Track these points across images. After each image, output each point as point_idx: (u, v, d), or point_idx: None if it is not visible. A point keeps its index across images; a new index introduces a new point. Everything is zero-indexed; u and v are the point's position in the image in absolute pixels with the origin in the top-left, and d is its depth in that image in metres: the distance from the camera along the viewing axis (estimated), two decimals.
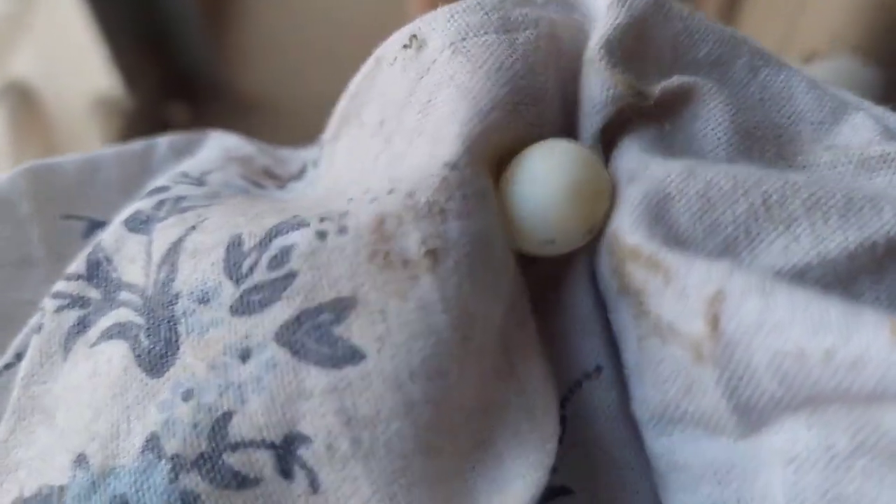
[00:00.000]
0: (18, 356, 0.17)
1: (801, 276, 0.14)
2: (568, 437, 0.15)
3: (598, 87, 0.15)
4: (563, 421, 0.15)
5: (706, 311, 0.13)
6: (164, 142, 0.21)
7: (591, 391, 0.16)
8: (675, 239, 0.14)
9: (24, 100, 0.51)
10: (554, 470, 0.14)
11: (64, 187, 0.20)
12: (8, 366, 0.17)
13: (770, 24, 0.34)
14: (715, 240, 0.14)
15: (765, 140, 0.16)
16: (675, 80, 0.16)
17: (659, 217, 0.14)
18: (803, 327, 0.12)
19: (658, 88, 0.15)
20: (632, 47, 0.16)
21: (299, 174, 0.20)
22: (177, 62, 0.50)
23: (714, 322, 0.13)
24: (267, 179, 0.20)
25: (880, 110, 0.17)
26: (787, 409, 0.13)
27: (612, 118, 0.15)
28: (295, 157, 0.21)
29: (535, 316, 0.15)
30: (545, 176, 0.15)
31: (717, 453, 0.14)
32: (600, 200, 0.15)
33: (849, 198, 0.14)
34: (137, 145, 0.21)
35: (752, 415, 0.13)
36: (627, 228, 0.14)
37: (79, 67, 0.49)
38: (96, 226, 0.19)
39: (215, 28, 0.49)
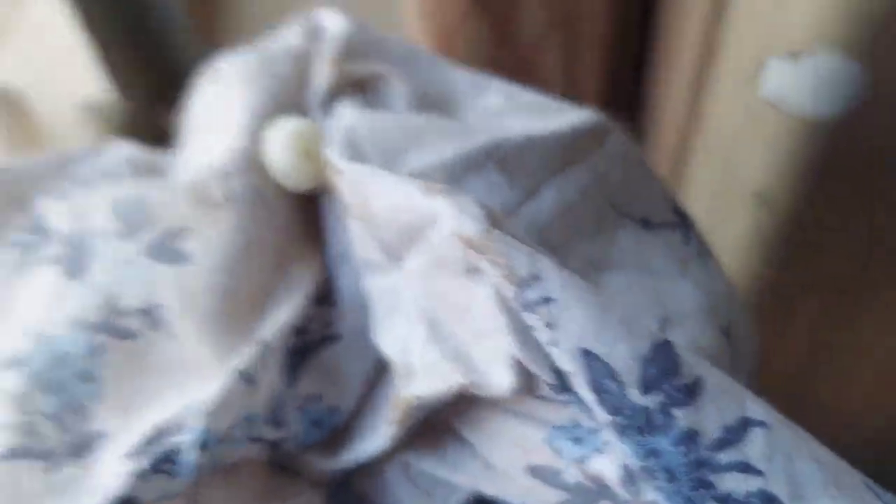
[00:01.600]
0: None
1: (426, 175, 0.24)
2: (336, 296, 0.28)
3: (321, 76, 0.28)
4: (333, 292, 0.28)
5: (354, 191, 0.24)
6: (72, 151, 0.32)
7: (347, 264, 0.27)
8: (357, 157, 0.25)
9: (11, 105, 0.51)
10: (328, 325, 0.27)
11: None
12: None
13: (755, 22, 0.34)
14: (382, 154, 0.25)
15: (434, 104, 0.28)
16: (369, 66, 0.28)
17: (351, 144, 0.25)
18: (394, 196, 0.23)
19: (354, 71, 0.28)
20: (343, 52, 0.28)
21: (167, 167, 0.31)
22: (168, 64, 0.50)
23: (358, 196, 0.24)
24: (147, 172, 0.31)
25: (511, 90, 0.29)
26: (404, 247, 0.24)
27: (330, 94, 0.28)
28: (167, 158, 0.32)
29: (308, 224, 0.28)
30: (279, 138, 0.26)
31: (386, 284, 0.25)
32: (314, 148, 0.26)
33: (464, 129, 0.26)
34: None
35: (391, 253, 0.24)
36: (335, 155, 0.25)
37: (67, 72, 0.49)
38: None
39: (206, 30, 0.49)
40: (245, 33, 0.32)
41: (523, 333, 0.21)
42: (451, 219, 0.21)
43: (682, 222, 0.29)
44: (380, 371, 0.27)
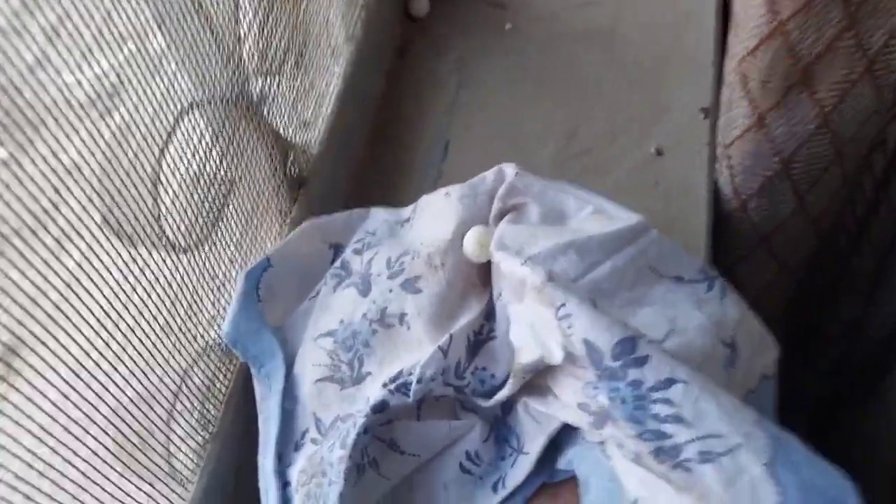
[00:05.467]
0: (316, 294, 0.55)
1: (536, 257, 0.46)
2: (494, 316, 0.52)
3: (496, 204, 0.53)
4: (492, 311, 0.52)
5: (497, 265, 0.49)
6: (355, 213, 0.57)
7: (501, 300, 0.51)
8: (502, 248, 0.48)
9: None
10: (491, 331, 0.51)
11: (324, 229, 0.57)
12: (312, 297, 0.55)
13: None
14: (515, 246, 0.48)
15: (553, 218, 0.51)
16: (518, 199, 0.52)
17: (500, 241, 0.48)
18: (509, 267, 0.48)
19: (511, 202, 0.52)
20: (508, 191, 0.53)
21: (408, 220, 0.57)
22: None
23: (499, 266, 0.49)
24: (396, 225, 0.57)
25: (604, 203, 0.52)
26: (519, 293, 0.48)
27: (497, 216, 0.52)
28: (405, 211, 0.57)
29: (483, 277, 0.52)
30: (471, 236, 0.51)
31: (515, 310, 0.49)
32: (487, 242, 0.50)
33: (560, 231, 0.49)
34: (345, 213, 0.57)
35: (517, 295, 0.49)
36: (492, 246, 0.49)
37: None
38: (333, 245, 0.57)
39: None
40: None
41: (562, 332, 0.43)
42: (529, 276, 0.45)
43: (707, 278, 0.49)
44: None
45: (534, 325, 0.46)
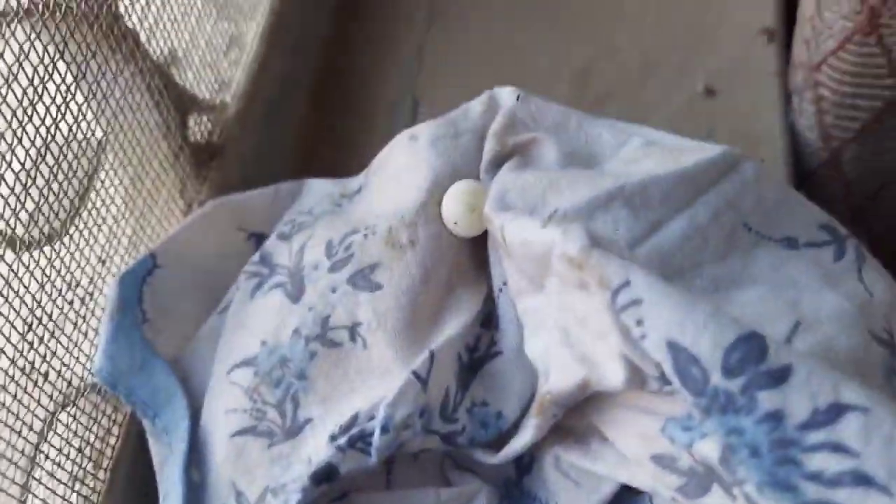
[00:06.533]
0: (226, 307, 0.38)
1: (561, 216, 0.30)
2: (497, 320, 0.34)
3: (488, 146, 0.36)
4: (496, 318, 0.34)
5: (499, 234, 0.31)
6: (283, 187, 0.42)
7: (505, 294, 0.34)
8: (504, 208, 0.32)
9: None
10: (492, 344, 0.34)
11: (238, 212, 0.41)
12: (221, 311, 0.38)
13: None
14: (525, 204, 0.31)
15: (580, 159, 0.34)
16: (525, 136, 0.35)
17: (501, 198, 0.32)
18: (522, 232, 0.30)
19: (512, 141, 0.35)
20: (507, 125, 0.36)
21: (357, 191, 0.40)
22: None
23: (501, 238, 0.31)
24: (341, 199, 0.40)
25: (654, 134, 0.35)
26: (540, 274, 0.30)
27: (493, 162, 0.35)
28: (354, 182, 0.41)
29: (475, 260, 0.35)
30: (453, 196, 0.34)
31: (533, 304, 0.32)
32: (479, 204, 0.33)
33: (595, 176, 0.32)
34: (269, 189, 0.42)
35: (534, 280, 0.31)
36: (487, 207, 0.32)
37: None
38: (254, 235, 0.41)
39: None
40: None
41: (624, 333, 0.25)
42: (558, 242, 0.26)
43: (834, 238, 0.31)
44: (535, 393, 0.32)
45: (568, 328, 0.28)
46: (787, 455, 0.22)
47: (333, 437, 0.30)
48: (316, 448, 0.31)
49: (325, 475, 0.30)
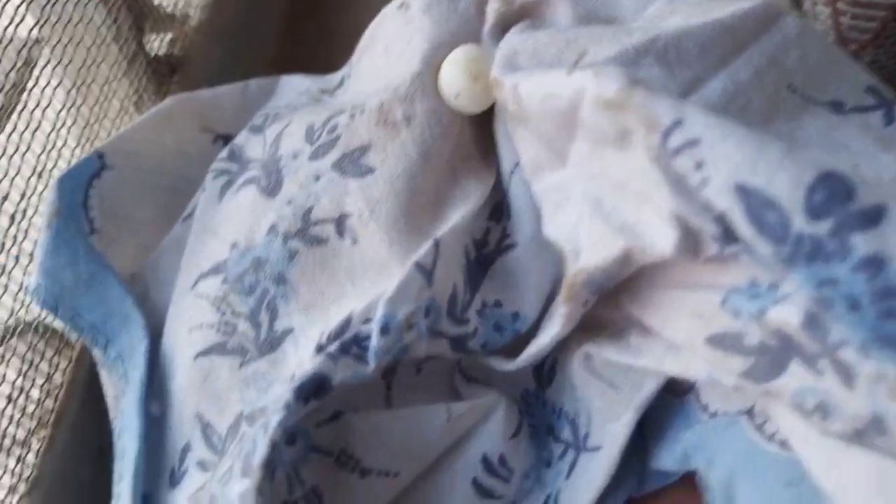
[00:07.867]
0: (192, 213, 0.32)
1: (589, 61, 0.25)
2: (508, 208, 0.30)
3: (492, 6, 0.31)
4: (507, 207, 0.30)
5: (511, 98, 0.27)
6: (253, 83, 0.37)
7: (518, 175, 0.29)
8: (515, 70, 0.27)
9: None
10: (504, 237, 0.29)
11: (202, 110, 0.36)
12: (186, 218, 0.32)
13: None
14: (537, 64, 0.27)
15: (598, 20, 0.30)
16: None
17: (510, 60, 0.28)
18: (543, 85, 0.25)
19: (520, 1, 0.31)
20: None
21: (340, 84, 0.36)
22: None
23: (515, 101, 0.27)
24: (321, 94, 0.36)
25: None
26: (564, 140, 0.26)
27: (498, 25, 0.30)
28: (336, 75, 0.36)
29: (481, 143, 0.31)
30: (454, 63, 0.30)
31: (554, 180, 0.27)
32: (483, 72, 0.29)
33: (620, 31, 0.27)
34: (237, 86, 0.37)
35: (555, 148, 0.26)
36: (495, 71, 0.28)
37: None
38: (220, 137, 0.36)
39: None
40: None
41: (678, 183, 0.21)
42: (592, 86, 0.22)
43: (882, 102, 0.27)
44: (558, 285, 0.28)
45: (601, 197, 0.24)
46: (893, 306, 0.19)
47: (321, 347, 0.26)
48: (300, 362, 0.26)
49: (313, 389, 0.25)
